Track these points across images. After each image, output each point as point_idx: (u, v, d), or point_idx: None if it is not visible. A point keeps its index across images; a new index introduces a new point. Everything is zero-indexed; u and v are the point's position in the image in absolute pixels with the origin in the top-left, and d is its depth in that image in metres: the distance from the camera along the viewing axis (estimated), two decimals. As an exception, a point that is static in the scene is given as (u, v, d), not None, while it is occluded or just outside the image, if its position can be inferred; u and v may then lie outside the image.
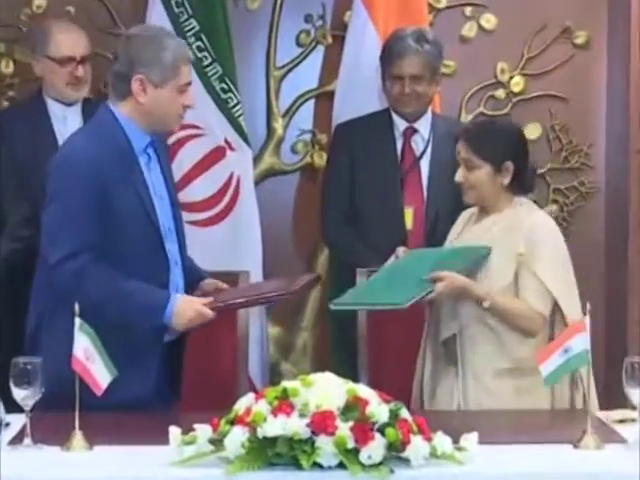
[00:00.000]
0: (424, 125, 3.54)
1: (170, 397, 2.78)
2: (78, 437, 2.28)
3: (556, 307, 2.77)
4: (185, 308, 2.64)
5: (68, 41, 3.45)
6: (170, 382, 2.77)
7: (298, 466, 2.09)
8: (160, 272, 2.69)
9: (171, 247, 2.73)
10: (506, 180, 2.81)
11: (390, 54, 3.49)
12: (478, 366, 2.77)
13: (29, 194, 3.31)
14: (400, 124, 3.54)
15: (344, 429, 2.09)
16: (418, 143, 3.53)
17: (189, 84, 2.73)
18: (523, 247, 2.75)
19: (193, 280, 2.82)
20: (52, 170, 2.67)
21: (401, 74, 3.46)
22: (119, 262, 2.63)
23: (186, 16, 3.70)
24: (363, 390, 2.18)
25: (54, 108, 3.48)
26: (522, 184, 2.85)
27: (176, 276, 2.74)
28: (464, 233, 2.90)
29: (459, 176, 2.82)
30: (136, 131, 2.69)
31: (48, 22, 3.65)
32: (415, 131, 3.54)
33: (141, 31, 2.83)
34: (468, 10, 4.08)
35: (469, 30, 4.08)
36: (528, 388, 2.74)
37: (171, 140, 3.49)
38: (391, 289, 2.74)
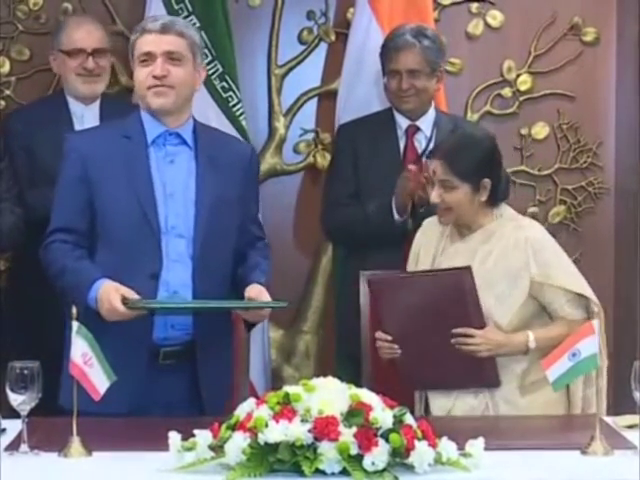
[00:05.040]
0: (427, 123, 3.50)
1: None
2: (76, 443, 2.25)
3: None
4: (103, 298, 2.61)
5: (78, 33, 3.43)
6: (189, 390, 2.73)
7: (300, 473, 2.06)
8: (150, 266, 2.66)
9: (173, 245, 2.69)
10: (484, 197, 2.77)
11: (388, 49, 3.47)
12: (508, 389, 2.74)
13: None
14: (402, 122, 3.50)
15: (347, 435, 2.06)
16: (421, 141, 3.50)
17: (148, 54, 2.68)
18: (535, 267, 2.73)
19: (242, 285, 2.74)
20: None
21: (398, 68, 3.43)
22: (108, 248, 2.69)
23: (186, 13, 3.67)
24: (367, 395, 2.15)
25: (73, 106, 3.46)
26: (497, 195, 2.81)
27: (174, 274, 2.69)
28: (449, 250, 2.83)
29: (435, 197, 2.76)
30: (150, 120, 2.72)
31: (67, 17, 3.67)
32: (418, 129, 3.50)
33: None
34: (474, 7, 4.06)
35: (475, 27, 4.05)
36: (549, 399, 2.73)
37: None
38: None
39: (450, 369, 2.74)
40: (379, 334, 2.81)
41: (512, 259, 2.74)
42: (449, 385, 2.77)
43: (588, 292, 2.77)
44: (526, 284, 2.73)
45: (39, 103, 3.60)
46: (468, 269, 2.68)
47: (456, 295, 2.68)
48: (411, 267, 2.93)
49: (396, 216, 3.33)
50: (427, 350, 2.74)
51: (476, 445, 2.16)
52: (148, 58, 2.69)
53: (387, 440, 2.07)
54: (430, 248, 2.87)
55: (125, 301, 2.58)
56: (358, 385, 2.21)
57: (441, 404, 2.77)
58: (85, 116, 3.43)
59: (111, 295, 2.59)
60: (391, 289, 2.77)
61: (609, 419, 2.56)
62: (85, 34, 3.43)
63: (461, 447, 2.15)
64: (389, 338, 2.77)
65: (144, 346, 2.67)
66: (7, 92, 3.90)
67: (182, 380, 2.71)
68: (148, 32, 2.70)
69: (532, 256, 2.74)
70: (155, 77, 2.68)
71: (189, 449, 2.13)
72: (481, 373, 2.75)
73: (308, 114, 4.04)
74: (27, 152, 3.37)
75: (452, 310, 2.70)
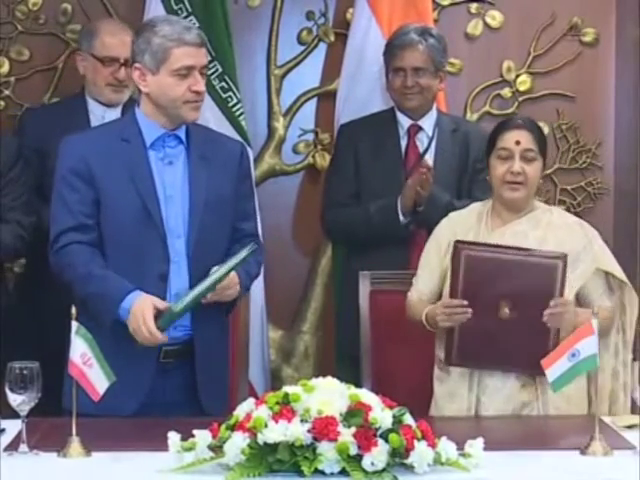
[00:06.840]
0: (429, 123, 3.50)
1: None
2: (75, 443, 2.25)
3: None
4: (137, 313, 2.56)
5: (114, 41, 3.44)
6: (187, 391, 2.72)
7: (299, 473, 2.07)
8: (158, 267, 2.67)
9: (173, 245, 2.69)
10: (540, 181, 2.82)
11: (393, 47, 3.47)
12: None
13: None
14: (404, 122, 3.50)
15: (347, 435, 2.07)
16: (423, 141, 3.50)
17: (190, 67, 2.68)
18: (599, 251, 2.77)
19: None
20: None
21: (403, 66, 3.43)
22: (115, 251, 2.67)
23: (185, 13, 3.66)
24: (366, 395, 2.15)
25: (94, 108, 3.47)
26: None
27: (175, 274, 2.69)
28: (493, 234, 2.79)
29: (518, 166, 2.75)
30: (148, 122, 2.71)
31: (98, 20, 3.66)
32: (420, 129, 3.50)
33: (146, 20, 2.86)
34: (473, 7, 4.06)
35: (474, 28, 4.06)
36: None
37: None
38: None
39: (509, 349, 2.66)
40: (450, 301, 2.69)
41: (570, 244, 2.75)
42: (501, 364, 2.69)
43: (627, 281, 2.81)
44: (585, 268, 2.74)
45: (56, 105, 3.62)
46: (564, 257, 2.64)
47: (547, 281, 2.64)
48: (434, 258, 2.85)
49: (401, 217, 3.33)
50: (493, 325, 2.66)
51: (476, 445, 2.16)
52: (188, 72, 2.68)
53: (386, 440, 2.07)
54: (467, 236, 2.82)
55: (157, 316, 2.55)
56: (358, 385, 2.21)
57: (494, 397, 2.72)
58: (106, 118, 3.41)
59: (145, 313, 2.54)
60: (479, 257, 2.68)
61: (609, 419, 2.57)
62: (119, 43, 3.42)
63: (461, 447, 2.15)
64: (464, 302, 2.66)
65: (156, 348, 2.66)
66: (6, 92, 3.90)
67: (180, 379, 2.70)
68: (187, 44, 2.66)
69: (593, 239, 2.79)
70: (196, 92, 2.69)
71: (188, 449, 2.14)
72: (534, 358, 2.58)
73: (307, 114, 4.04)
74: (40, 155, 3.35)
75: (538, 293, 2.64)
